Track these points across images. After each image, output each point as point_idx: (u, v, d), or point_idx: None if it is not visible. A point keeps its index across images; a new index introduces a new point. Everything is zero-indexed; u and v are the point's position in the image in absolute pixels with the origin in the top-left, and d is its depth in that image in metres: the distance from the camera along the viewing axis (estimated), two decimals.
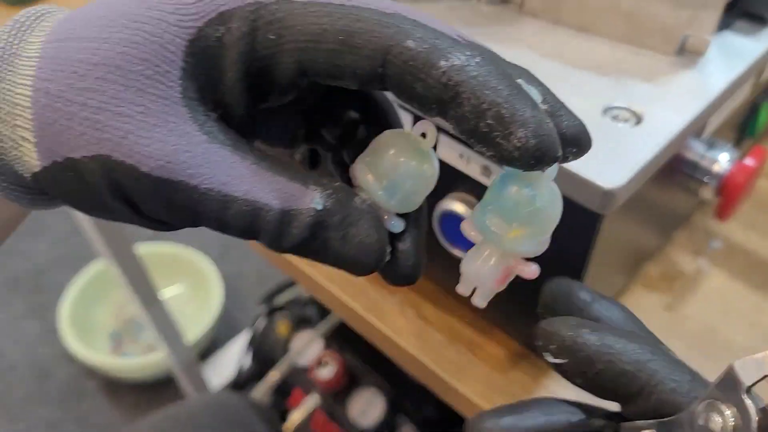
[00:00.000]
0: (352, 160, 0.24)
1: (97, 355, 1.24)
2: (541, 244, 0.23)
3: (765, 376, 0.18)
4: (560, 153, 0.20)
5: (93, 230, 0.93)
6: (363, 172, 0.23)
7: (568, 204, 0.33)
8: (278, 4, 0.21)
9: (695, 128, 0.36)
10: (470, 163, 0.37)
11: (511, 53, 0.38)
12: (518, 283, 0.40)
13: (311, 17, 0.20)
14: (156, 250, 1.37)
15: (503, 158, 0.19)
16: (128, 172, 0.20)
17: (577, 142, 0.22)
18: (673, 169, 0.42)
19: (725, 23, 0.41)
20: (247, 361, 1.19)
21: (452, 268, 0.43)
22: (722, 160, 0.43)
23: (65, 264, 1.52)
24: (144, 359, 1.24)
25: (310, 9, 0.20)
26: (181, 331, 1.17)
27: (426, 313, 0.46)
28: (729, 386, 0.19)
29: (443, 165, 0.38)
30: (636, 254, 0.45)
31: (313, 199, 0.21)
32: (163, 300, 1.10)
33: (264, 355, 1.15)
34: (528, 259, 0.23)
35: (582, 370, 0.21)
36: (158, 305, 1.10)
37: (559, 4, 0.40)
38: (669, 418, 0.20)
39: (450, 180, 0.39)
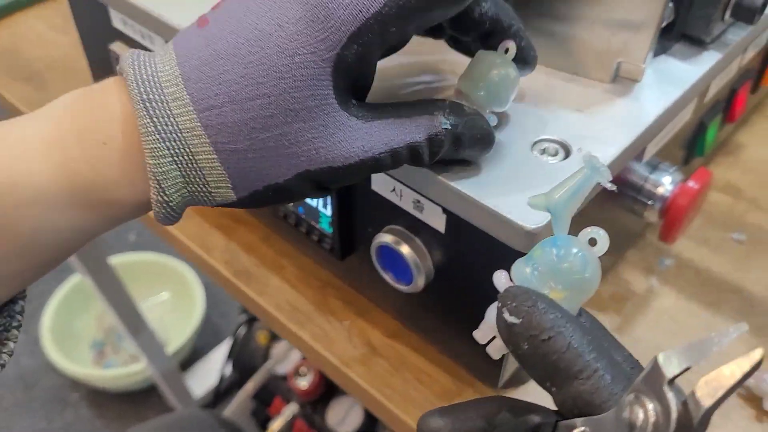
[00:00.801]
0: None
1: (79, 367, 1.24)
2: (572, 310, 0.24)
3: (687, 368, 0.18)
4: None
5: None
6: (466, 83, 0.32)
7: (497, 243, 0.32)
8: (388, 5, 0.25)
9: (627, 158, 0.36)
10: (402, 198, 0.37)
11: (445, 83, 0.37)
12: (468, 312, 0.40)
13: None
14: (140, 258, 1.36)
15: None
16: (325, 171, 0.27)
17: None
18: (618, 192, 0.41)
19: (663, 47, 0.40)
20: (229, 370, 1.19)
21: (394, 297, 0.42)
22: (666, 183, 0.43)
23: (49, 274, 1.51)
24: (126, 370, 1.24)
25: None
26: (162, 341, 1.17)
27: (374, 340, 0.46)
28: (653, 380, 0.19)
29: (378, 199, 0.38)
30: None
31: (441, 122, 0.28)
32: (141, 312, 1.10)
33: (244, 363, 1.15)
34: None
35: (531, 333, 0.22)
36: (136, 317, 1.10)
37: None
38: (599, 416, 0.20)
39: (385, 213, 0.38)
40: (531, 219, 0.31)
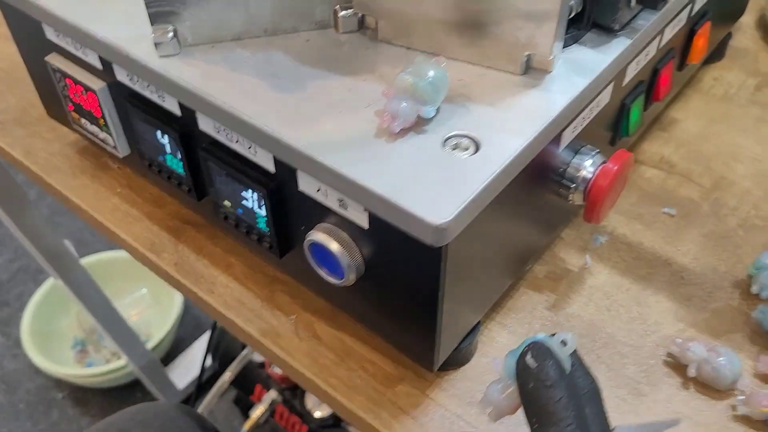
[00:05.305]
0: None
1: (61, 367, 1.25)
2: None
3: None
4: None
5: (34, 251, 0.94)
6: (412, 77, 0.36)
7: (410, 239, 0.34)
8: None
9: (536, 148, 0.37)
10: (328, 196, 0.38)
11: (363, 85, 0.39)
12: (400, 302, 0.41)
13: None
14: (116, 256, 1.37)
15: None
16: None
17: None
18: (542, 176, 0.43)
19: (575, 37, 0.42)
20: (209, 360, 1.21)
21: (335, 290, 0.44)
22: (587, 166, 0.44)
23: (26, 276, 1.52)
24: (108, 367, 1.26)
25: None
26: (143, 336, 1.18)
27: (320, 332, 0.48)
28: None
29: (306, 198, 0.39)
30: (516, 258, 0.47)
31: None
32: (117, 310, 1.12)
33: (224, 354, 1.17)
34: None
35: (540, 378, 0.29)
36: (113, 316, 1.11)
37: (409, 31, 0.41)
38: None
39: (314, 212, 0.40)
40: (439, 215, 0.32)
